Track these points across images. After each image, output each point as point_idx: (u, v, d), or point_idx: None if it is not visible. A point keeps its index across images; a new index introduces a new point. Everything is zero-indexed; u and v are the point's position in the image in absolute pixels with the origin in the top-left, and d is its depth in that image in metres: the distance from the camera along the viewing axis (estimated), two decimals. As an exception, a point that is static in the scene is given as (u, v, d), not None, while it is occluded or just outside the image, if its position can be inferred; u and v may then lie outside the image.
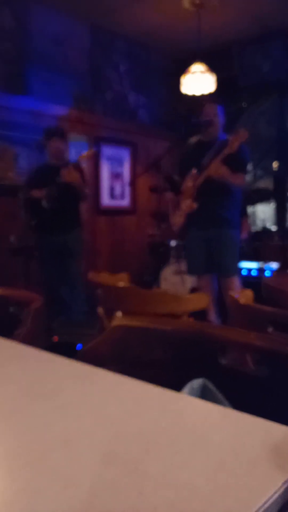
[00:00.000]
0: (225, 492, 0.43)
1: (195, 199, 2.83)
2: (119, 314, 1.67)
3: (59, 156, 3.27)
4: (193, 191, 2.83)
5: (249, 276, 3.92)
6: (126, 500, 0.42)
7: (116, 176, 4.67)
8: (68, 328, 2.57)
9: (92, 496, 0.43)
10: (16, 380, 0.73)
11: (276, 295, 1.60)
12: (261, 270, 3.98)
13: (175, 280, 3.97)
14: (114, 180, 4.66)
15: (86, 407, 0.63)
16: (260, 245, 4.26)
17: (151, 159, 4.37)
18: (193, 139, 3.13)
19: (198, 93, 4.00)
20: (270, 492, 0.43)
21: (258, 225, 4.90)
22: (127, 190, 4.74)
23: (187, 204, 2.85)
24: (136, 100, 4.86)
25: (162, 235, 4.23)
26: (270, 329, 1.08)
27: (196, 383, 0.69)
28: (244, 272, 3.87)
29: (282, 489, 0.43)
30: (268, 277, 3.65)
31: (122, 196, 4.74)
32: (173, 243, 4.19)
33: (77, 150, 3.88)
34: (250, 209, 4.65)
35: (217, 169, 2.71)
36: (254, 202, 4.74)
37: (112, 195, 4.65)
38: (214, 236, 2.84)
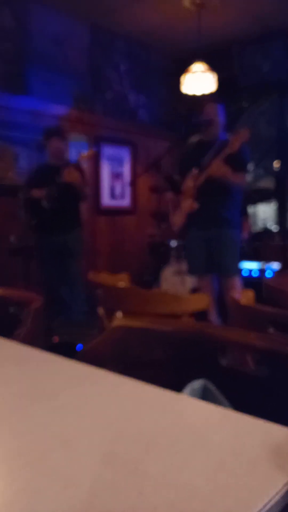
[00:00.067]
0: (225, 493, 0.43)
1: (195, 199, 2.83)
2: (119, 314, 1.67)
3: (59, 156, 3.27)
4: (194, 191, 2.82)
5: (250, 276, 3.92)
6: (126, 500, 0.42)
7: (116, 176, 4.67)
8: (68, 328, 2.57)
9: (92, 496, 0.43)
10: (16, 380, 0.73)
11: (276, 295, 1.60)
12: (262, 271, 3.97)
13: (176, 281, 3.97)
14: (115, 180, 4.66)
15: (86, 408, 0.63)
16: (261, 245, 4.25)
17: (151, 159, 4.37)
18: (194, 139, 3.13)
19: (198, 92, 4.00)
20: (271, 493, 0.43)
21: (259, 225, 4.90)
22: (128, 190, 4.74)
23: (188, 204, 2.85)
24: (136, 100, 4.86)
25: (162, 235, 4.23)
26: (270, 330, 1.07)
27: (197, 384, 0.69)
28: (245, 273, 3.86)
29: (283, 491, 0.43)
30: (269, 277, 3.65)
31: (122, 196, 4.74)
32: (173, 243, 4.19)
33: (77, 150, 3.88)
34: (251, 209, 4.64)
35: (218, 168, 2.71)
36: (255, 202, 4.73)
37: (112, 195, 4.65)
38: (214, 236, 2.84)
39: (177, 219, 2.96)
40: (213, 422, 0.59)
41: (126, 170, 4.74)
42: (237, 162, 2.75)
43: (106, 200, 4.59)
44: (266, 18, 4.05)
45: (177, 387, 0.67)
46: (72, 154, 3.74)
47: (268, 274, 3.91)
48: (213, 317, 2.83)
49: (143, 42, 4.68)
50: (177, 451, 0.51)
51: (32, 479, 0.47)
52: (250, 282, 3.25)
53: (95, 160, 4.36)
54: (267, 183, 4.88)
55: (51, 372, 0.76)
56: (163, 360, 0.82)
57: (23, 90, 3.82)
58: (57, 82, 4.05)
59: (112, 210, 4.65)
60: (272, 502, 0.42)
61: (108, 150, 4.55)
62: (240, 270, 3.07)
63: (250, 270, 4.00)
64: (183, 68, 4.04)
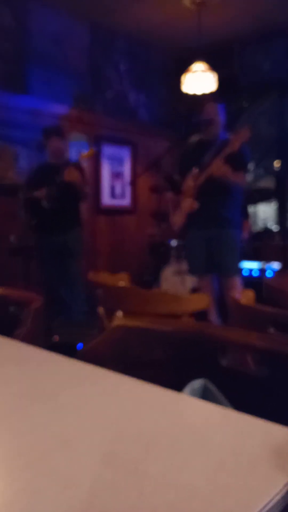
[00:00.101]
0: (226, 493, 0.43)
1: (195, 198, 2.82)
2: (119, 314, 1.67)
3: (59, 155, 3.27)
4: (194, 190, 2.82)
5: (250, 276, 3.92)
6: (126, 501, 0.42)
7: (116, 175, 4.67)
8: (68, 328, 2.57)
9: (92, 497, 0.43)
10: (16, 380, 0.73)
11: (276, 295, 1.60)
12: (262, 270, 3.97)
13: (176, 280, 3.97)
14: (115, 180, 4.66)
15: (86, 407, 0.63)
16: (261, 245, 4.25)
17: (151, 158, 4.37)
18: (194, 138, 3.12)
19: (199, 92, 4.00)
20: (272, 494, 0.43)
21: (259, 225, 4.89)
22: (128, 190, 4.74)
23: (188, 204, 2.84)
24: (136, 99, 4.85)
25: (162, 235, 4.23)
26: (271, 330, 1.07)
27: (197, 383, 0.69)
28: (245, 272, 3.86)
29: (283, 491, 0.43)
30: (269, 277, 3.64)
31: (122, 195, 4.74)
32: (173, 243, 4.19)
33: (77, 150, 3.88)
34: (251, 209, 4.64)
35: (218, 168, 2.71)
36: (255, 201, 4.73)
37: (112, 195, 4.65)
38: (215, 236, 2.84)
39: (177, 219, 2.96)
40: (213, 422, 0.59)
41: (127, 169, 4.74)
42: (237, 162, 2.75)
43: (106, 199, 4.59)
44: (266, 17, 4.04)
45: (177, 387, 0.67)
46: (72, 153, 3.74)
47: (269, 274, 3.91)
48: (213, 317, 2.83)
49: (143, 41, 4.68)
50: (177, 451, 0.51)
51: (32, 479, 0.46)
52: (251, 282, 3.25)
53: (96, 160, 4.36)
54: (268, 182, 4.87)
55: (51, 372, 0.76)
56: (163, 360, 0.81)
57: (23, 89, 3.82)
58: (57, 82, 4.04)
59: (112, 209, 4.65)
60: (273, 503, 0.42)
61: (108, 150, 4.54)
62: (240, 270, 3.07)
63: (251, 270, 3.99)
64: (183, 67, 4.04)
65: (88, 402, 0.65)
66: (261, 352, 0.74)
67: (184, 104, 4.52)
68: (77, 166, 3.21)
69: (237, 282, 2.87)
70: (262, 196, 4.73)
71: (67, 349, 0.87)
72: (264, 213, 4.95)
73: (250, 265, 4.00)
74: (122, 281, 2.14)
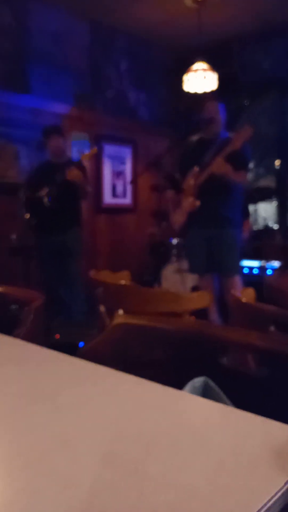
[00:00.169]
0: (226, 493, 0.43)
1: (196, 197, 2.82)
2: (120, 312, 1.67)
3: (59, 154, 3.27)
4: (195, 189, 2.82)
5: (250, 274, 3.91)
6: (126, 501, 0.42)
7: (117, 174, 4.67)
8: (67, 328, 2.56)
9: (92, 497, 0.43)
10: (16, 379, 0.73)
11: (276, 294, 1.60)
12: (262, 269, 3.97)
13: (176, 279, 3.97)
14: (116, 179, 4.66)
15: (86, 407, 0.63)
16: (261, 243, 4.25)
17: (152, 157, 4.37)
18: (194, 137, 3.12)
19: (200, 91, 3.99)
20: (272, 493, 0.42)
21: (259, 224, 4.89)
22: (129, 189, 4.74)
23: (189, 203, 2.84)
24: (137, 98, 4.85)
25: (163, 234, 4.22)
26: (271, 328, 1.07)
27: (198, 381, 0.69)
28: (245, 271, 3.86)
29: (283, 490, 0.43)
30: (269, 275, 3.64)
31: (124, 194, 4.74)
32: (174, 241, 4.19)
33: (79, 149, 3.88)
34: (251, 208, 4.64)
35: (219, 166, 2.70)
36: (256, 200, 4.72)
37: (114, 194, 4.65)
38: (215, 235, 2.83)
39: (178, 218, 2.95)
40: (213, 422, 0.59)
41: (128, 168, 4.74)
42: (238, 161, 2.74)
43: (107, 198, 4.59)
44: (266, 15, 4.03)
45: (177, 387, 0.67)
46: (74, 152, 3.73)
47: (269, 273, 3.90)
48: (214, 316, 2.83)
49: (143, 40, 4.67)
50: (177, 451, 0.51)
51: (32, 479, 0.46)
52: (251, 280, 3.24)
53: (97, 159, 4.36)
54: (268, 181, 4.87)
55: (51, 371, 0.76)
56: (163, 360, 0.81)
57: (23, 88, 3.81)
58: (57, 81, 4.04)
59: (114, 208, 4.66)
60: (272, 502, 0.42)
61: (109, 149, 4.54)
62: (240, 269, 3.07)
63: (251, 269, 3.99)
64: (184, 66, 4.03)
65: (88, 402, 0.64)
66: (261, 352, 0.74)
67: (185, 103, 4.52)
68: (79, 165, 3.20)
69: (238, 281, 2.86)
70: (263, 195, 4.72)
71: (67, 348, 0.86)
72: (265, 212, 4.95)
73: (250, 264, 4.00)
74: (123, 279, 2.13)
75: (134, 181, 4.61)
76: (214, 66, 3.98)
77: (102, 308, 1.83)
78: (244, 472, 0.46)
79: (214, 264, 2.86)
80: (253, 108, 4.85)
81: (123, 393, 0.67)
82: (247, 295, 1.43)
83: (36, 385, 0.70)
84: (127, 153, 4.73)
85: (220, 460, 0.49)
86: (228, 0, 3.80)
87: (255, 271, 3.98)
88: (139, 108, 4.88)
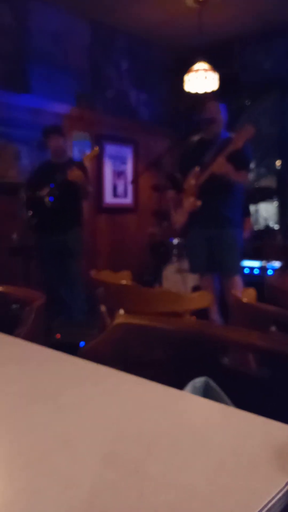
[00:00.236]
0: (226, 493, 0.43)
1: (197, 197, 2.82)
2: (121, 312, 1.67)
3: (60, 154, 3.27)
4: (196, 189, 2.81)
5: (251, 275, 3.91)
6: (126, 501, 0.42)
7: (118, 174, 4.67)
8: (68, 328, 2.56)
9: (93, 497, 0.43)
10: (17, 378, 0.73)
11: (276, 294, 1.60)
12: (263, 269, 3.97)
13: (177, 279, 3.97)
14: (117, 178, 4.66)
15: (87, 407, 0.63)
16: (262, 243, 4.24)
17: (153, 157, 4.37)
18: (195, 137, 3.12)
19: (201, 91, 3.99)
20: (272, 493, 0.42)
21: (260, 224, 4.89)
22: (130, 189, 4.75)
23: (190, 202, 2.84)
24: (137, 98, 4.85)
25: (163, 234, 4.22)
26: (272, 328, 1.07)
27: (199, 381, 0.69)
28: (246, 271, 3.86)
29: (284, 490, 0.43)
30: (270, 275, 3.64)
31: (124, 194, 4.75)
32: (175, 241, 4.19)
33: (80, 149, 3.88)
34: (252, 208, 4.63)
35: (221, 166, 2.70)
36: (256, 200, 4.72)
37: (114, 193, 4.66)
38: (216, 235, 2.83)
39: (179, 218, 2.95)
40: (213, 422, 0.59)
41: (129, 168, 4.74)
42: (239, 160, 2.74)
43: (108, 198, 4.60)
44: (267, 15, 4.03)
45: (178, 387, 0.67)
46: (75, 152, 3.73)
47: (270, 273, 3.90)
48: (215, 316, 2.83)
49: (144, 40, 4.67)
50: (178, 451, 0.51)
51: (32, 479, 0.46)
52: (252, 280, 3.24)
53: (97, 158, 4.36)
54: (269, 181, 4.87)
55: (52, 370, 0.76)
56: (163, 360, 0.81)
57: (23, 88, 3.82)
58: (58, 81, 4.04)
59: (114, 208, 4.66)
60: (273, 502, 0.42)
61: (110, 149, 4.55)
62: (241, 269, 3.07)
63: (252, 269, 3.99)
64: (184, 66, 4.03)
65: (88, 402, 0.64)
66: (262, 352, 0.74)
67: (185, 103, 4.52)
68: (80, 165, 3.20)
69: (238, 281, 2.86)
70: (264, 195, 4.72)
71: (68, 348, 0.86)
72: (266, 212, 4.95)
73: (251, 264, 4.00)
74: (124, 279, 2.13)
75: (135, 181, 4.61)
76: (215, 66, 3.97)
77: (102, 308, 1.83)
78: (245, 472, 0.46)
79: (215, 264, 2.86)
80: (254, 108, 4.85)
81: (124, 393, 0.67)
82: (247, 295, 1.43)
83: (36, 384, 0.70)
84: (128, 153, 4.73)
85: (221, 460, 0.49)
86: (229, 0, 3.80)
87: (256, 271, 3.98)
88: (140, 108, 4.88)
